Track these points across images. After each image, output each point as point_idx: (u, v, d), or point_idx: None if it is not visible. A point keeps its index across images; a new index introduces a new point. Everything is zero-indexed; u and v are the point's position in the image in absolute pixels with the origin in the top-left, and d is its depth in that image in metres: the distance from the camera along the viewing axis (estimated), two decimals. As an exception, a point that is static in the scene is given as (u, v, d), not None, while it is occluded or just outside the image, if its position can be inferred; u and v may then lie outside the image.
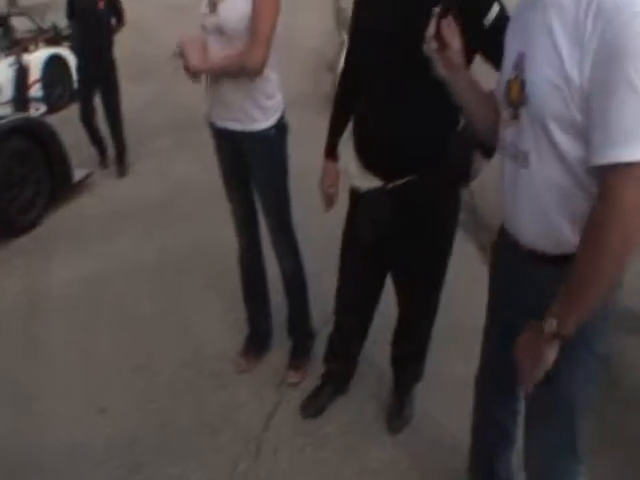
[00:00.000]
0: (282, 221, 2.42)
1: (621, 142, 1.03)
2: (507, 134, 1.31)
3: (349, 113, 2.02)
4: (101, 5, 4.89)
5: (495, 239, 1.53)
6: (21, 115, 4.97)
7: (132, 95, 7.92)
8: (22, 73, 6.92)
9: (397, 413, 2.34)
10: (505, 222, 1.42)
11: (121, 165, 5.22)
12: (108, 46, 5.05)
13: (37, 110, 7.18)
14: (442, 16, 1.36)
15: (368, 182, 1.92)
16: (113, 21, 5.13)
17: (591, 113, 1.08)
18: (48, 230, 4.21)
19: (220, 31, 2.07)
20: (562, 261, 1.23)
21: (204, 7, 2.14)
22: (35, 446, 2.33)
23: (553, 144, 1.17)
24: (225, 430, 2.35)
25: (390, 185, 1.85)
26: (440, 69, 1.43)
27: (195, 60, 2.10)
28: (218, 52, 2.11)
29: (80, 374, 2.71)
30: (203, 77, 2.22)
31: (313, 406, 2.39)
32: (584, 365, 1.33)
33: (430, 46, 1.40)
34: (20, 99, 6.83)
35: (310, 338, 2.67)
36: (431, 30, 1.38)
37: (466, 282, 2.67)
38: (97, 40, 4.93)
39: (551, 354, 1.21)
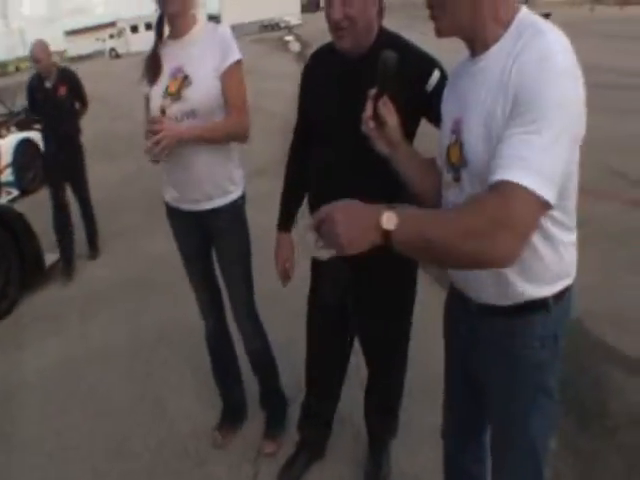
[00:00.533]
0: (248, 301, 2.45)
1: (520, 168, 1.07)
2: (449, 195, 1.38)
3: (300, 186, 2.11)
4: (62, 92, 4.76)
5: (447, 297, 1.60)
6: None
7: (105, 173, 8.09)
8: (-9, 159, 7.04)
9: (374, 474, 2.35)
10: (453, 279, 1.49)
11: (93, 249, 5.25)
12: (74, 132, 4.96)
13: (9, 194, 7.26)
14: (377, 97, 1.44)
15: (327, 251, 2.00)
16: (77, 105, 5.01)
17: (500, 143, 1.13)
18: (21, 317, 4.22)
19: (193, 115, 2.12)
20: (514, 311, 1.31)
21: (157, 95, 2.14)
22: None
23: None
24: (204, 508, 2.34)
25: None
26: (380, 146, 1.50)
27: (181, 128, 2.08)
28: None
29: (56, 464, 2.69)
30: (168, 169, 2.24)
31: (289, 475, 2.40)
32: (540, 407, 1.37)
33: (368, 126, 1.47)
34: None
35: (283, 408, 2.70)
36: (368, 111, 1.46)
37: (436, 330, 2.72)
38: (61, 127, 4.81)
39: (365, 243, 1.12)
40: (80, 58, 58.25)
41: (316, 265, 2.11)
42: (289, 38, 29.54)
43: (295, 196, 2.18)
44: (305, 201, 2.12)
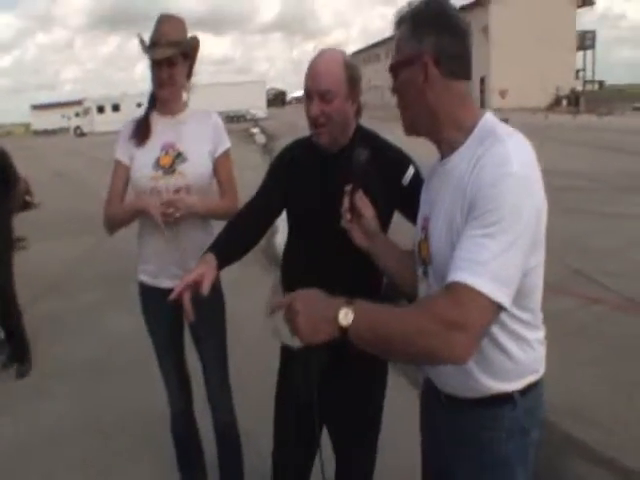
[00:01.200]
0: (224, 374, 2.43)
1: (477, 272, 1.10)
2: (420, 290, 1.43)
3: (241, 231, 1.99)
4: None
5: (421, 388, 1.61)
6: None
7: (65, 249, 7.98)
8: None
9: None
10: (426, 369, 1.52)
11: (22, 363, 4.23)
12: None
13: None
14: (353, 192, 1.54)
15: (298, 340, 1.99)
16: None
17: (458, 244, 1.17)
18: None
19: (187, 190, 2.19)
20: (480, 404, 1.33)
21: (146, 166, 2.18)
22: None
23: None
24: None
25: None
26: (359, 239, 1.57)
27: (194, 199, 2.17)
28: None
29: None
30: (147, 242, 2.26)
31: None
32: None
33: (346, 218, 1.56)
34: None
35: None
36: (345, 204, 1.55)
37: (405, 421, 2.69)
38: None
39: (323, 335, 1.17)
40: (45, 132, 58.54)
41: (285, 355, 2.10)
42: (255, 130, 30.50)
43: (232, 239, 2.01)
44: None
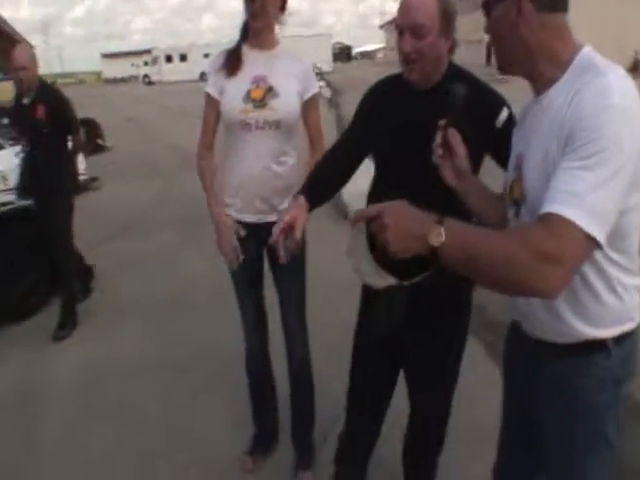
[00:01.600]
0: (302, 309, 2.44)
1: (574, 204, 1.06)
2: None
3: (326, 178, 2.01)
4: (39, 112, 3.70)
5: (508, 332, 1.58)
6: (24, 202, 5.05)
7: (138, 192, 8.21)
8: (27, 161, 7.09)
9: None
10: (515, 314, 1.48)
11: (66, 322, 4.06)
12: (57, 171, 3.91)
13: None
14: (447, 128, 1.50)
15: (383, 280, 1.98)
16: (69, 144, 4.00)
17: (554, 175, 1.13)
18: (48, 318, 4.19)
19: (277, 125, 2.19)
20: (571, 350, 1.29)
21: (237, 97, 2.17)
22: None
23: None
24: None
25: (406, 283, 1.92)
26: (448, 177, 1.53)
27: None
28: (270, 145, 2.20)
29: (77, 474, 2.64)
30: (234, 174, 2.28)
31: None
32: (596, 452, 1.33)
33: (437, 154, 1.52)
34: (25, 187, 6.96)
35: (313, 437, 2.63)
36: (437, 140, 1.51)
37: (477, 385, 2.68)
38: (40, 159, 3.93)
39: (411, 252, 1.16)
40: (115, 80, 59.93)
41: (368, 294, 2.09)
42: (321, 84, 30.24)
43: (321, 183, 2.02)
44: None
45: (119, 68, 63.56)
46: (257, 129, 2.18)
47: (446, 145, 1.51)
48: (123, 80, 59.59)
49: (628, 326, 1.30)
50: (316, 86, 2.29)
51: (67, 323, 4.02)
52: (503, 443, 1.68)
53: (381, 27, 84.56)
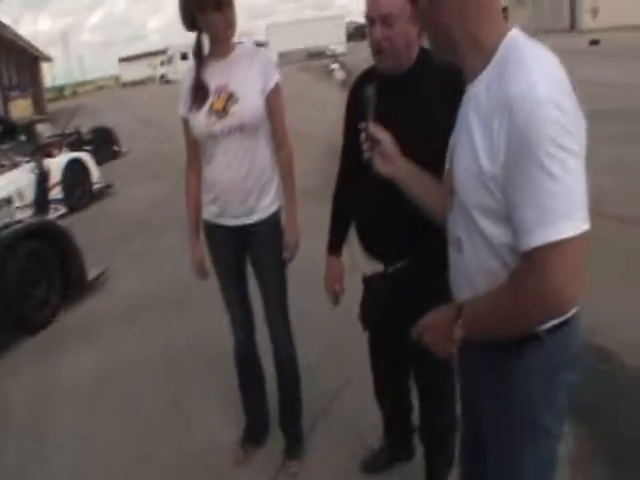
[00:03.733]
0: (283, 305, 2.52)
1: (546, 223, 1.08)
2: (448, 221, 1.40)
3: (349, 209, 2.17)
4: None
5: None
6: (37, 219, 5.27)
7: (150, 192, 8.39)
8: (42, 177, 7.38)
9: None
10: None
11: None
12: None
13: (57, 211, 7.60)
14: (367, 127, 1.52)
15: (371, 267, 2.07)
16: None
17: (512, 201, 1.12)
18: (60, 327, 4.40)
19: (241, 129, 2.26)
20: (505, 343, 1.27)
21: (202, 114, 2.26)
22: None
23: (480, 231, 1.23)
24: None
25: (390, 269, 2.00)
26: (380, 166, 1.53)
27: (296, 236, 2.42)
28: (239, 149, 2.28)
29: (83, 469, 2.80)
30: (209, 183, 2.38)
31: (373, 465, 2.52)
32: (533, 442, 1.31)
33: (365, 147, 1.52)
34: (40, 202, 7.26)
35: (301, 427, 2.71)
36: (362, 138, 1.53)
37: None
38: None
39: (457, 336, 1.29)
40: (133, 84, 60.62)
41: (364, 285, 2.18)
42: (334, 66, 29.91)
43: (344, 222, 2.25)
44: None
45: (136, 70, 64.03)
46: (223, 137, 2.27)
47: (371, 137, 1.52)
48: (142, 82, 60.14)
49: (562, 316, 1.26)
50: (275, 75, 2.32)
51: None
52: (462, 442, 1.68)
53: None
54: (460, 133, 1.29)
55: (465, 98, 1.30)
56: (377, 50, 1.83)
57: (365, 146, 1.54)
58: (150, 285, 5.02)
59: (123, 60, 69.29)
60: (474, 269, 1.30)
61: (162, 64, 51.55)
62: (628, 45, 19.54)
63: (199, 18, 2.18)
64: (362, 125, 1.54)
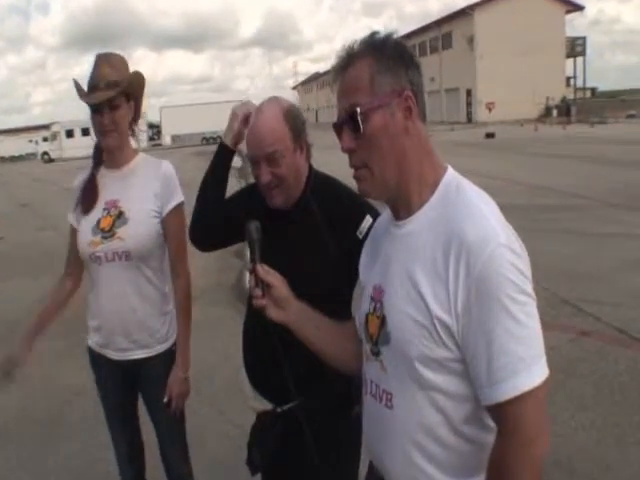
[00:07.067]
0: (181, 431, 2.34)
1: (517, 372, 1.06)
2: (370, 370, 1.30)
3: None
4: None
5: (366, 474, 1.50)
6: None
7: (25, 289, 7.83)
8: None
9: None
10: (372, 457, 1.41)
11: None
12: None
13: None
14: (255, 268, 1.43)
15: (260, 404, 1.95)
16: None
17: (473, 350, 1.10)
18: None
19: (127, 256, 2.07)
20: None
21: (87, 229, 2.09)
22: None
23: (421, 386, 1.17)
24: None
25: (279, 409, 1.88)
26: (273, 314, 1.44)
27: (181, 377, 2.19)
28: (124, 279, 2.10)
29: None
30: (92, 311, 2.21)
31: None
32: None
33: (256, 295, 1.43)
34: None
35: None
36: (251, 283, 1.44)
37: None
38: None
39: None
40: (12, 159, 58.20)
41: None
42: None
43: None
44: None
45: (16, 145, 61.74)
46: (107, 262, 2.09)
47: (261, 282, 1.43)
48: (21, 158, 57.89)
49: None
50: (177, 196, 2.17)
51: None
52: None
53: (294, 88, 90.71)
54: (390, 277, 1.24)
55: (392, 235, 1.28)
56: (266, 189, 1.78)
57: (256, 292, 1.44)
58: (21, 402, 4.53)
59: (1, 132, 66.71)
60: (407, 428, 1.22)
61: (45, 140, 50.08)
62: (516, 137, 21.60)
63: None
64: (249, 267, 1.46)
